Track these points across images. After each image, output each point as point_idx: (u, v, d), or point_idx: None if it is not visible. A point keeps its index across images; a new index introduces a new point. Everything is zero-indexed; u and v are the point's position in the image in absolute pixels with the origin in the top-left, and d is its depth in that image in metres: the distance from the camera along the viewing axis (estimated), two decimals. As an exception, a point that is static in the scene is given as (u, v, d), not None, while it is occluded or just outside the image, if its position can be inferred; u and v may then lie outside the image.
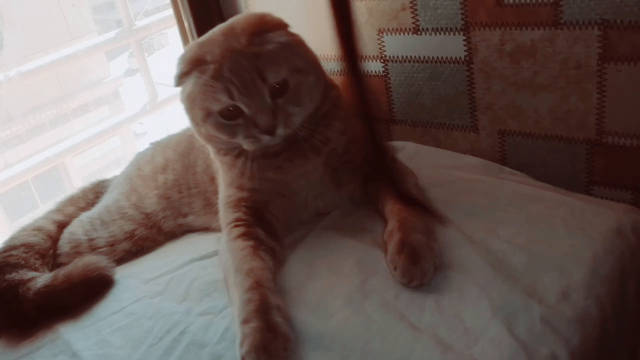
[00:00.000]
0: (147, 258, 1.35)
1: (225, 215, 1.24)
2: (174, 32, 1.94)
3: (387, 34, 1.48)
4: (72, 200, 1.55)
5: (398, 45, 1.47)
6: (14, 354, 1.11)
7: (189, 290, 1.16)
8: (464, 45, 1.36)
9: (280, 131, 1.11)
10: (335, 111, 1.23)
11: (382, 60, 1.52)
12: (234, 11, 1.78)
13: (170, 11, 1.86)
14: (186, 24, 1.80)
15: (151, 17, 3.13)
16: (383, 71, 1.53)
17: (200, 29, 1.79)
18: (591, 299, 0.97)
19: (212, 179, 1.36)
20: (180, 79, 1.13)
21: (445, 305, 0.98)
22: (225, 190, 1.26)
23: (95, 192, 1.57)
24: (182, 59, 1.14)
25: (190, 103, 1.15)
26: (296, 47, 1.15)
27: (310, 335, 0.97)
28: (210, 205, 1.37)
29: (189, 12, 1.78)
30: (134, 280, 1.24)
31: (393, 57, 1.50)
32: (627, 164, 1.28)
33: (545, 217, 1.15)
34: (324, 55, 1.60)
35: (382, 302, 1.01)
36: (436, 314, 0.97)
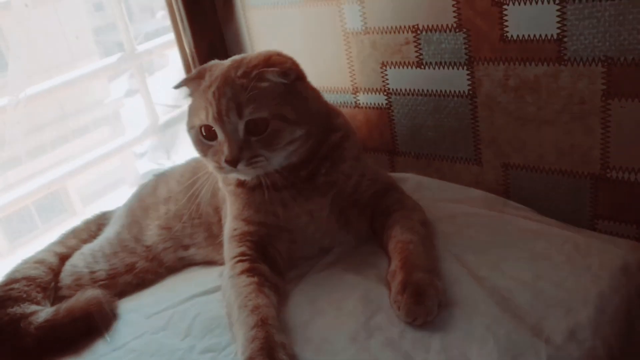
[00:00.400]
0: (148, 292, 1.34)
1: (229, 248, 1.23)
2: (174, 53, 1.95)
3: (390, 67, 1.48)
4: (74, 233, 1.54)
5: (401, 78, 1.48)
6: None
7: (192, 326, 1.15)
8: (468, 79, 1.37)
9: (242, 167, 1.10)
10: (340, 153, 1.22)
11: (385, 93, 1.53)
12: (236, 36, 1.79)
13: (171, 35, 1.87)
14: (187, 49, 1.82)
15: (152, 41, 3.14)
16: (386, 103, 1.54)
17: (201, 54, 1.80)
18: (598, 338, 0.97)
19: (217, 210, 1.36)
20: (182, 82, 1.20)
21: (450, 345, 0.97)
22: (231, 223, 1.25)
23: (97, 224, 1.57)
24: (196, 69, 1.21)
25: (188, 110, 1.20)
26: (292, 96, 1.14)
27: (314, 375, 0.97)
28: (213, 237, 1.36)
29: (190, 37, 1.79)
30: (136, 315, 1.23)
31: (396, 89, 1.50)
32: (632, 198, 1.27)
33: (550, 254, 1.15)
34: (325, 87, 1.62)
35: (387, 341, 1.00)
36: (442, 354, 0.96)
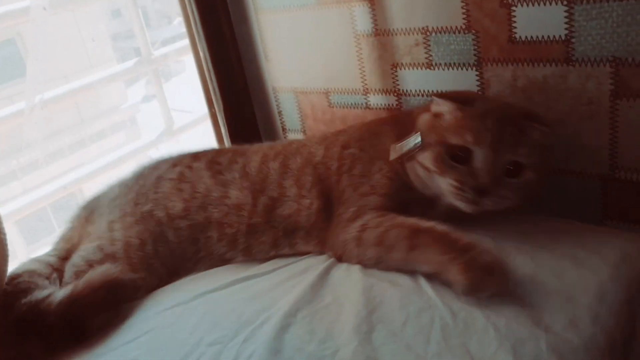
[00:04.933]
0: (160, 291, 1.34)
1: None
2: (191, 59, 1.97)
3: (400, 69, 1.50)
4: (62, 237, 1.50)
5: (411, 79, 1.49)
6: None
7: (201, 321, 1.16)
8: (477, 80, 1.38)
9: (487, 201, 1.13)
10: None
11: (395, 94, 1.54)
12: (249, 43, 1.81)
13: (186, 40, 1.90)
14: (201, 54, 1.84)
15: (168, 46, 3.19)
16: (397, 104, 1.55)
17: (215, 59, 1.83)
18: (598, 327, 0.97)
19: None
20: (451, 98, 1.19)
21: (450, 335, 0.98)
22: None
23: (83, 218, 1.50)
24: (459, 93, 1.23)
25: (432, 124, 1.21)
26: (544, 153, 1.20)
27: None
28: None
29: (204, 42, 1.81)
30: (147, 312, 1.25)
31: (406, 90, 1.52)
32: (640, 199, 1.28)
33: (551, 245, 1.15)
34: (337, 89, 1.64)
35: (388, 334, 1.02)
36: (442, 344, 0.97)
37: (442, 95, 1.19)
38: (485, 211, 1.17)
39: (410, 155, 1.23)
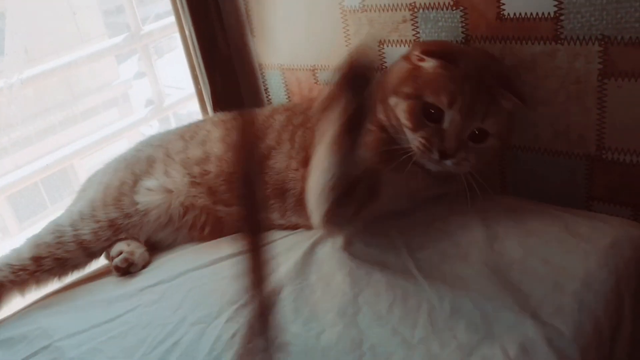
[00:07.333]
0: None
1: None
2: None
3: (387, 46, 1.47)
4: None
5: (398, 56, 1.46)
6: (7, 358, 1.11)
7: (184, 299, 1.17)
8: (465, 58, 1.36)
9: (449, 163, 1.16)
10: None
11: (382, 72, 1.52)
12: (235, 19, 1.78)
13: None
14: (186, 29, 1.81)
15: (158, 22, 3.16)
16: (384, 82, 1.53)
17: (201, 36, 1.80)
18: (585, 312, 0.97)
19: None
20: (426, 55, 1.17)
21: (437, 319, 0.98)
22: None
23: None
24: (444, 46, 1.27)
25: (411, 74, 1.20)
26: (510, 121, 1.22)
27: (301, 348, 0.98)
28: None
29: (189, 20, 1.78)
30: (129, 289, 1.25)
31: (394, 68, 1.49)
32: (627, 180, 1.26)
33: (540, 231, 1.15)
34: (323, 65, 1.62)
35: (374, 316, 1.02)
36: (428, 328, 0.97)
37: (428, 50, 1.17)
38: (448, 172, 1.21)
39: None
